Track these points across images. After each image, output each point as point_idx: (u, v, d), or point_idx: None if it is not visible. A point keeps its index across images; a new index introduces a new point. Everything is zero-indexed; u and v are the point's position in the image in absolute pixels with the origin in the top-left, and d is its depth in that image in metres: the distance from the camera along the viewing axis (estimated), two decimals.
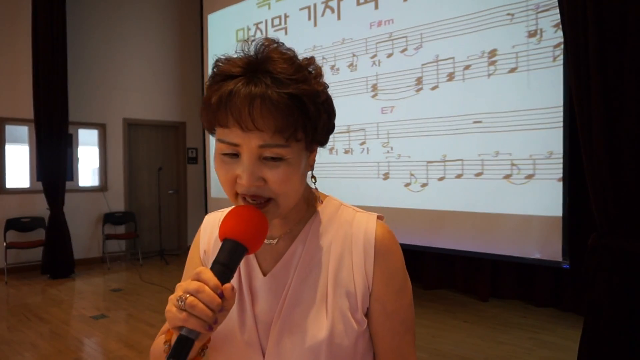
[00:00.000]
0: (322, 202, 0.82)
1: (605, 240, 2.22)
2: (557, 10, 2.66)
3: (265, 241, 0.78)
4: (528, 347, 3.52)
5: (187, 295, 0.60)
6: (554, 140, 3.51)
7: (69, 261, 6.02)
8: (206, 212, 7.18)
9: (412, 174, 4.36)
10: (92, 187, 6.97)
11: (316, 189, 0.83)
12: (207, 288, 0.61)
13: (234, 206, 0.73)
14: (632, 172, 2.12)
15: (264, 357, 0.75)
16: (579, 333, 2.37)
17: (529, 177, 3.65)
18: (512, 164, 3.74)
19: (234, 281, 0.77)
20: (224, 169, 0.70)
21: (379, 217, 0.79)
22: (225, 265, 0.64)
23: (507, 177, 3.77)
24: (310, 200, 0.81)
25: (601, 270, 2.21)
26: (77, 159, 6.82)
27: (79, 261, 6.43)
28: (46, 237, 5.97)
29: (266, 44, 0.70)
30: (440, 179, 4.16)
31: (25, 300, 4.92)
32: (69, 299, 5.02)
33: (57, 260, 5.92)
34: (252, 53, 0.69)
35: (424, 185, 4.27)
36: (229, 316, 0.76)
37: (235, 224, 0.67)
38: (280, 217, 0.76)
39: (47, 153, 5.90)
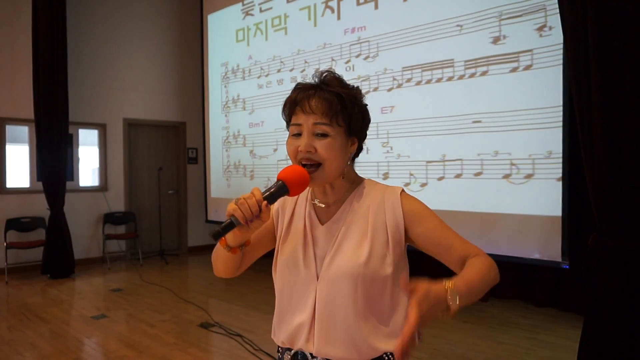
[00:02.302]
0: (362, 182, 1.14)
1: (605, 240, 2.22)
2: (557, 10, 2.66)
3: (323, 205, 1.12)
4: (528, 347, 3.52)
5: (241, 198, 0.96)
6: (554, 140, 3.51)
7: (69, 261, 6.02)
8: (206, 212, 7.19)
9: (411, 174, 4.36)
10: (92, 187, 6.97)
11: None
12: (254, 198, 0.96)
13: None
14: (632, 172, 2.12)
15: (317, 279, 1.06)
16: (579, 333, 2.37)
17: (529, 176, 3.65)
18: (512, 164, 3.73)
19: (301, 230, 1.12)
20: (291, 145, 1.05)
21: (403, 190, 1.10)
22: (272, 193, 0.98)
23: (507, 176, 3.77)
24: (353, 180, 1.13)
25: (601, 270, 2.21)
26: (77, 159, 6.82)
27: (79, 261, 6.43)
28: (46, 237, 5.97)
29: (326, 73, 1.07)
30: (440, 178, 4.16)
31: (25, 300, 4.92)
32: (69, 299, 5.02)
33: (57, 260, 5.92)
34: (317, 79, 1.06)
35: (423, 185, 4.27)
36: (295, 254, 1.10)
37: (287, 172, 1.00)
38: (325, 182, 1.06)
39: (47, 153, 5.90)
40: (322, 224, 1.12)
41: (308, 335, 1.06)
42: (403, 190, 1.10)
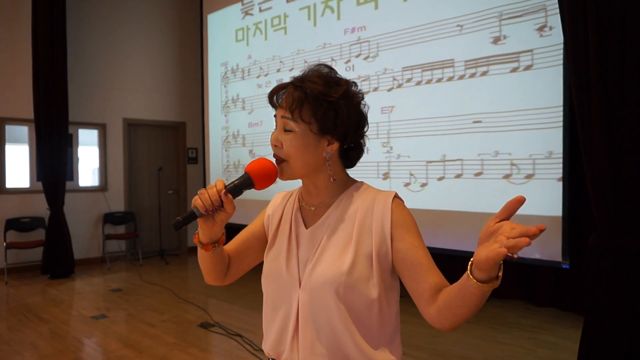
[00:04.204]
0: (354, 184, 1.08)
1: (605, 240, 2.22)
2: (557, 10, 2.66)
3: (309, 207, 1.08)
4: (528, 347, 3.52)
5: (204, 189, 0.96)
6: (554, 140, 3.51)
7: (69, 261, 6.02)
8: None
9: (411, 174, 4.35)
10: (92, 187, 6.97)
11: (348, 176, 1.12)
12: (215, 188, 0.96)
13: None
14: (632, 172, 2.12)
15: (300, 286, 1.01)
16: (579, 333, 2.37)
17: (529, 177, 3.65)
18: (512, 164, 3.73)
19: (287, 233, 1.08)
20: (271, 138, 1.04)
21: (396, 196, 1.03)
22: (235, 185, 0.97)
23: (507, 177, 3.77)
24: (342, 182, 1.08)
25: (601, 270, 2.21)
26: (77, 159, 6.82)
27: (79, 261, 6.43)
28: (46, 237, 5.97)
29: (314, 68, 1.03)
30: (440, 178, 4.16)
31: (25, 300, 4.92)
32: (69, 299, 5.02)
33: (57, 260, 5.92)
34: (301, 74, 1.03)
35: (423, 185, 4.27)
36: (279, 257, 1.06)
37: (253, 165, 0.99)
38: (294, 176, 1.03)
39: (47, 153, 5.90)
40: (308, 227, 1.07)
41: (292, 345, 1.02)
42: (396, 196, 1.03)
